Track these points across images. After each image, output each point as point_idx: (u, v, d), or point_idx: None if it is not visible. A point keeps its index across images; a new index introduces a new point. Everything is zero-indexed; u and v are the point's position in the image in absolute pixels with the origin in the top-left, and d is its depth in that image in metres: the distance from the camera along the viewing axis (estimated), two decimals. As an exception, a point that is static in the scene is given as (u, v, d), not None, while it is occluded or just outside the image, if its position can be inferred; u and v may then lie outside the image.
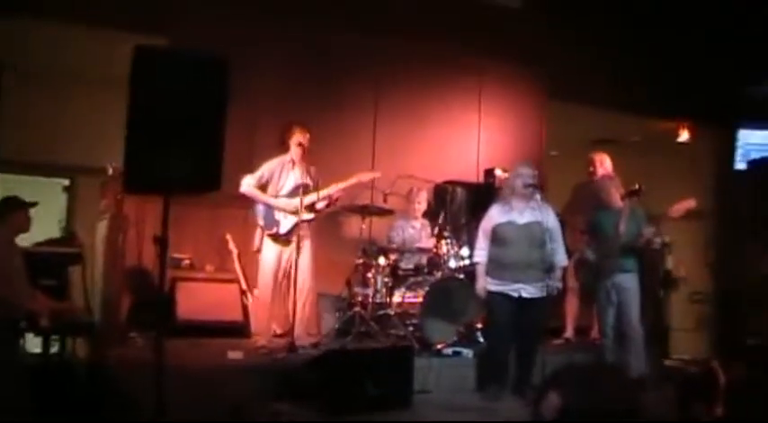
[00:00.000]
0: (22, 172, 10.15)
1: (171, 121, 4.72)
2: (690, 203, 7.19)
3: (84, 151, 9.45)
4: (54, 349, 6.78)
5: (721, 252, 11.85)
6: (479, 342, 7.81)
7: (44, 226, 7.43)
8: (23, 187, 9.98)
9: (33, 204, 6.43)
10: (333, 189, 7.61)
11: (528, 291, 6.69)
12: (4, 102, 9.37)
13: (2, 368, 5.87)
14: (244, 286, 8.43)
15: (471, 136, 10.38)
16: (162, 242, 4.98)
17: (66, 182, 10.39)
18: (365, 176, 7.85)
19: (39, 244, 7.42)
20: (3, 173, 10.08)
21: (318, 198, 7.53)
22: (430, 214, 8.76)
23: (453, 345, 7.64)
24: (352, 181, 7.69)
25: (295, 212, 7.42)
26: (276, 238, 7.52)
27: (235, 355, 6.88)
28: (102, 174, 8.25)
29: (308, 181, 7.59)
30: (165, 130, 4.72)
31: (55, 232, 8.77)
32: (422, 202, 8.60)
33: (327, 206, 7.77)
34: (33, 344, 6.64)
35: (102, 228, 7.96)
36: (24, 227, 6.36)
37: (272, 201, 7.53)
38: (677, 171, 11.38)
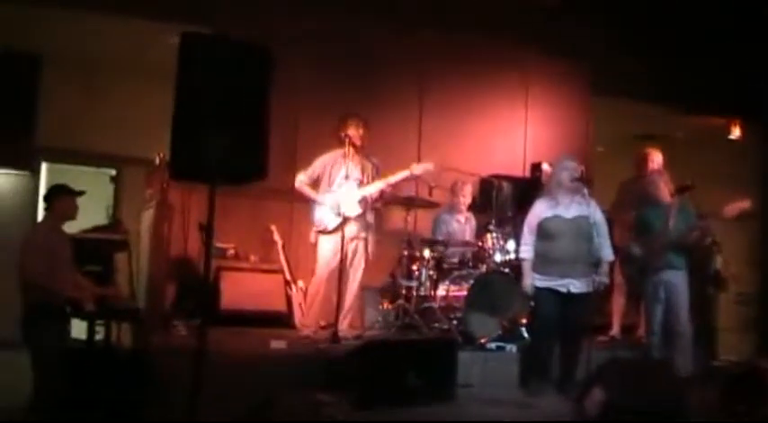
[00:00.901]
0: (70, 162, 10.29)
1: (217, 109, 4.71)
2: (744, 204, 7.04)
3: (131, 142, 9.56)
4: (99, 336, 6.82)
5: (768, 252, 11.67)
6: (523, 337, 7.74)
7: (91, 215, 7.51)
8: (72, 177, 10.12)
9: (81, 193, 6.47)
10: (383, 183, 7.57)
11: (576, 285, 6.62)
12: (50, 92, 9.49)
13: (46, 354, 5.92)
14: (288, 277, 8.46)
15: (517, 130, 10.32)
16: (208, 230, 4.99)
17: (113, 172, 10.51)
18: (418, 169, 7.68)
19: (85, 231, 7.47)
20: (51, 162, 10.23)
21: (368, 193, 7.51)
22: (475, 208, 8.71)
23: (497, 339, 7.59)
24: (405, 173, 7.62)
25: (338, 213, 7.41)
26: (326, 233, 7.50)
27: (278, 344, 6.89)
28: (148, 164, 8.32)
29: (361, 175, 7.55)
30: (210, 118, 4.71)
31: (102, 221, 8.86)
32: (467, 196, 8.53)
33: (380, 197, 7.72)
34: (79, 329, 6.69)
35: (147, 216, 8.03)
36: (70, 214, 6.41)
37: (318, 198, 7.50)
38: (726, 168, 11.22)
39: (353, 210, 7.44)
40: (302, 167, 7.64)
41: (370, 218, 7.66)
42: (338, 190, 7.50)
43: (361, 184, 7.52)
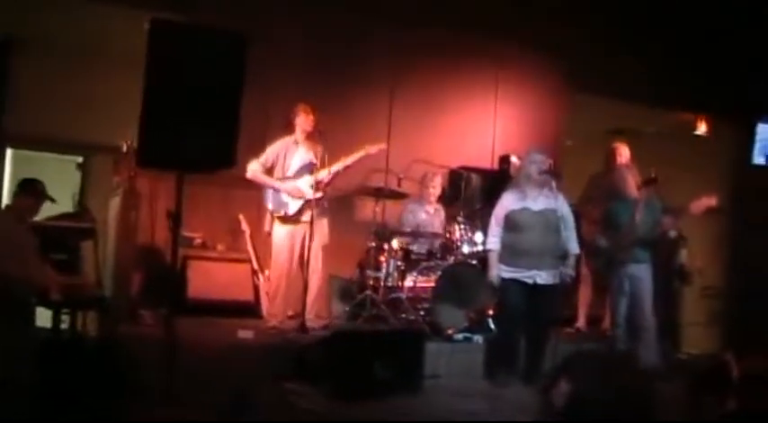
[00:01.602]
0: (37, 148, 10.18)
1: (186, 97, 4.70)
2: (710, 201, 7.09)
3: (98, 129, 9.45)
4: (64, 325, 6.77)
5: (734, 246, 11.76)
6: (490, 328, 7.77)
7: (58, 202, 7.41)
8: (38, 164, 10.05)
9: (47, 196, 6.42)
10: (340, 165, 7.58)
11: (542, 277, 6.66)
12: (17, 78, 9.38)
13: (15, 345, 5.86)
14: (255, 266, 8.43)
15: (487, 123, 10.32)
16: (175, 218, 4.97)
17: (80, 159, 10.41)
18: (372, 148, 7.70)
19: (51, 219, 7.40)
20: (17, 149, 10.12)
21: (323, 177, 7.52)
22: (444, 199, 8.72)
23: (464, 330, 7.62)
24: (360, 154, 7.62)
25: (300, 196, 7.41)
26: (285, 219, 7.50)
27: (245, 334, 6.88)
28: (115, 151, 8.25)
29: (314, 160, 7.56)
30: (179, 106, 4.69)
31: (68, 208, 8.76)
32: (436, 187, 8.54)
33: (328, 184, 7.72)
34: (44, 318, 6.63)
35: (114, 204, 7.97)
36: (29, 214, 6.36)
37: (278, 184, 7.53)
38: (694, 164, 11.29)
39: (312, 193, 7.44)
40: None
41: (326, 202, 7.67)
42: (295, 176, 7.51)
43: (315, 168, 7.52)
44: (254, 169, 7.49)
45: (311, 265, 7.46)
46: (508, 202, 6.83)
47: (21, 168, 10.14)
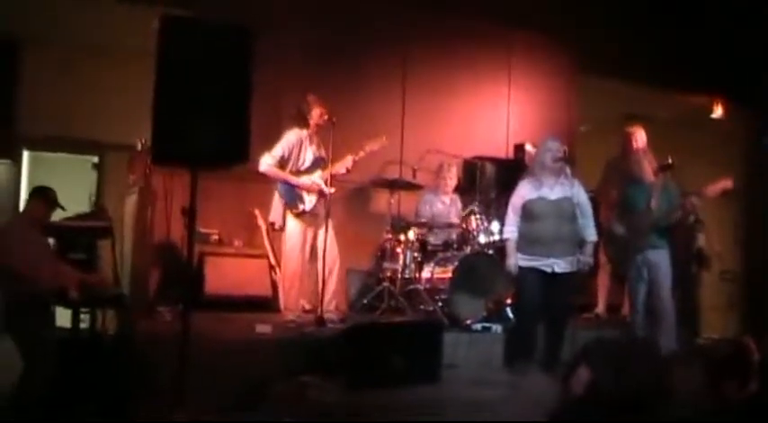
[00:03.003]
0: (52, 149, 10.23)
1: (197, 92, 4.69)
2: (727, 183, 7.04)
3: (112, 128, 9.49)
4: (84, 324, 6.80)
5: (752, 230, 11.70)
6: (508, 318, 7.77)
7: (74, 202, 7.44)
8: (54, 164, 10.10)
9: (57, 204, 6.45)
10: (348, 162, 7.56)
11: (560, 265, 6.64)
12: (30, 80, 9.42)
13: (30, 344, 5.90)
14: (272, 261, 8.44)
15: (501, 110, 10.29)
16: (190, 214, 4.97)
17: (96, 159, 10.45)
18: (374, 145, 7.68)
19: (68, 219, 7.43)
20: (33, 150, 10.17)
21: (335, 172, 7.50)
22: (459, 190, 8.71)
23: (482, 320, 7.61)
24: (361, 154, 7.61)
25: (319, 191, 7.42)
26: (300, 214, 7.50)
27: (263, 329, 6.88)
28: (130, 150, 8.27)
29: (324, 154, 7.55)
30: (191, 101, 4.69)
31: (85, 208, 8.80)
32: (452, 178, 8.54)
33: (346, 173, 7.69)
34: (64, 317, 6.67)
35: (130, 202, 7.99)
36: (42, 218, 6.38)
37: (294, 179, 7.49)
38: (709, 148, 11.25)
39: (327, 188, 7.44)
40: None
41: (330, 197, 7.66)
42: (308, 170, 7.51)
43: (326, 163, 7.51)
44: (267, 163, 7.44)
45: (330, 259, 7.46)
46: (524, 191, 6.81)
47: (37, 170, 10.21)
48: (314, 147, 7.60)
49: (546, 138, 7.22)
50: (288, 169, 7.51)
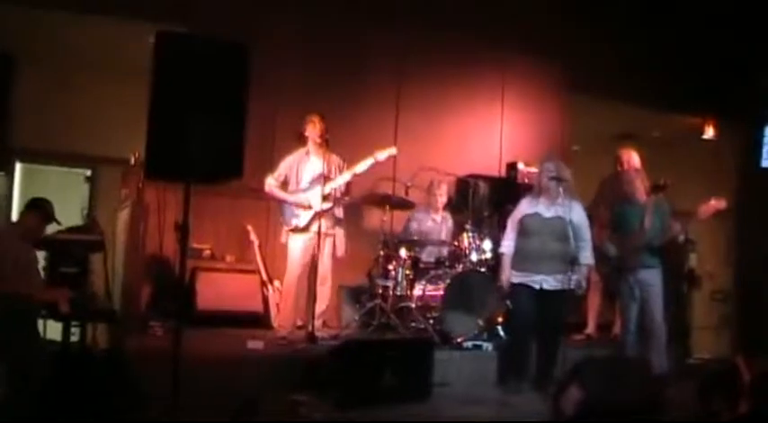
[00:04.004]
0: (45, 162, 10.22)
1: (192, 107, 4.71)
2: (719, 204, 7.07)
3: (106, 142, 9.51)
4: (75, 337, 6.78)
5: (743, 250, 11.73)
6: (500, 336, 7.78)
7: (67, 215, 7.42)
8: (47, 177, 10.09)
9: (53, 218, 6.44)
10: (349, 175, 7.55)
11: (549, 282, 6.67)
12: (24, 92, 9.42)
13: (22, 360, 5.87)
14: (264, 277, 8.43)
15: (494, 129, 10.33)
16: (183, 229, 4.97)
17: (89, 172, 10.45)
18: (382, 155, 7.63)
19: (60, 232, 7.42)
20: (26, 162, 10.16)
21: (334, 187, 7.50)
22: (452, 207, 8.72)
23: (473, 338, 7.60)
24: (369, 161, 7.56)
25: (308, 207, 7.42)
26: (296, 231, 7.50)
27: (255, 344, 6.87)
28: (123, 164, 8.27)
29: (326, 170, 7.52)
30: (186, 116, 4.70)
31: (77, 221, 8.79)
32: (443, 195, 8.54)
33: (345, 194, 7.70)
34: (54, 331, 6.65)
35: (123, 216, 7.99)
36: (35, 231, 6.37)
37: (288, 197, 7.52)
38: (701, 168, 11.29)
39: (323, 204, 7.44)
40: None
41: (339, 213, 7.66)
42: (308, 187, 7.51)
43: (327, 178, 7.51)
44: (270, 184, 7.53)
45: (320, 276, 7.46)
46: (524, 207, 6.91)
47: (29, 182, 10.20)
48: (314, 164, 7.57)
49: (542, 157, 7.29)
50: (289, 188, 7.54)
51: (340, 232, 7.66)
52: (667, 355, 7.09)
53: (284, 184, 7.57)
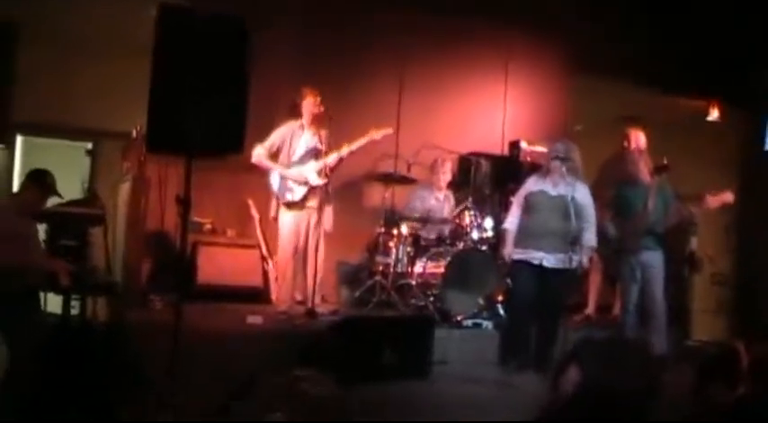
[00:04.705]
0: (46, 135, 10.18)
1: (194, 81, 4.70)
2: (727, 197, 7.06)
3: (107, 115, 9.45)
4: (75, 311, 6.78)
5: (744, 233, 11.70)
6: (500, 314, 7.77)
7: (68, 189, 7.41)
8: (48, 151, 10.05)
9: (54, 191, 6.40)
10: (344, 151, 7.53)
11: (549, 260, 6.68)
12: (26, 64, 9.36)
13: (24, 335, 5.87)
14: (264, 252, 8.42)
15: (497, 108, 10.28)
16: (184, 203, 4.96)
17: (90, 145, 10.41)
18: (377, 134, 7.63)
19: (60, 205, 7.41)
20: (27, 136, 10.12)
21: (328, 162, 7.46)
22: (454, 185, 8.70)
23: (473, 316, 7.62)
24: (365, 139, 7.56)
25: (305, 182, 7.38)
26: (291, 205, 7.48)
27: (254, 319, 6.88)
28: (125, 137, 8.24)
29: (320, 145, 7.51)
30: (187, 90, 4.69)
31: (78, 195, 8.78)
32: (447, 173, 8.53)
33: (334, 169, 7.65)
34: (55, 304, 6.65)
35: (124, 190, 7.97)
36: (35, 204, 6.32)
37: (283, 170, 7.48)
38: (704, 150, 11.23)
39: (317, 179, 7.42)
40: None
41: (329, 189, 7.63)
42: (301, 161, 7.48)
43: (320, 153, 7.49)
44: (259, 154, 7.43)
45: (313, 252, 7.46)
46: (530, 184, 6.97)
47: (30, 155, 10.16)
48: (307, 137, 7.56)
49: (545, 136, 7.29)
50: (279, 160, 7.49)
51: (328, 208, 7.64)
52: (666, 338, 7.10)
53: (274, 156, 7.52)
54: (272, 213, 7.66)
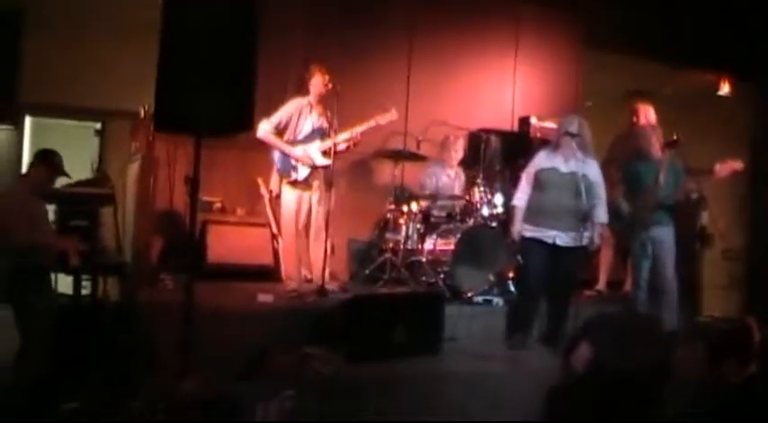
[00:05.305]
0: (55, 116, 10.17)
1: (202, 59, 4.67)
2: (737, 165, 7.02)
3: (116, 95, 9.42)
4: (86, 290, 6.80)
5: (756, 208, 11.66)
6: (510, 291, 7.76)
7: (77, 169, 7.40)
8: (56, 131, 10.04)
9: (62, 171, 6.39)
10: (348, 134, 7.49)
11: (562, 238, 6.62)
12: (33, 46, 9.35)
13: (30, 312, 5.89)
14: (275, 230, 8.41)
15: (506, 83, 10.24)
16: (193, 182, 4.96)
17: (98, 125, 10.40)
18: (382, 119, 7.58)
19: (70, 185, 7.41)
20: (35, 116, 10.12)
21: (335, 143, 7.41)
22: (464, 162, 8.67)
23: (484, 293, 7.61)
24: (369, 124, 7.52)
25: (310, 163, 7.37)
26: (295, 184, 7.45)
27: (265, 298, 6.88)
28: (133, 117, 8.23)
29: (326, 125, 7.48)
30: (196, 69, 4.67)
31: (87, 175, 8.78)
32: (459, 151, 8.50)
33: (347, 149, 7.64)
34: (65, 284, 6.66)
35: (133, 170, 7.97)
36: (44, 184, 6.32)
37: (287, 148, 7.41)
38: (715, 125, 11.18)
39: (322, 159, 7.40)
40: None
41: (334, 168, 7.57)
42: (306, 140, 7.45)
43: (326, 133, 7.46)
44: (265, 129, 7.32)
45: (317, 230, 7.45)
46: (539, 161, 6.83)
47: (39, 136, 10.16)
48: (314, 116, 7.50)
49: (555, 111, 7.21)
50: (285, 137, 7.45)
51: (333, 189, 7.59)
52: (678, 313, 7.08)
53: (280, 133, 7.46)
54: (275, 191, 7.62)
